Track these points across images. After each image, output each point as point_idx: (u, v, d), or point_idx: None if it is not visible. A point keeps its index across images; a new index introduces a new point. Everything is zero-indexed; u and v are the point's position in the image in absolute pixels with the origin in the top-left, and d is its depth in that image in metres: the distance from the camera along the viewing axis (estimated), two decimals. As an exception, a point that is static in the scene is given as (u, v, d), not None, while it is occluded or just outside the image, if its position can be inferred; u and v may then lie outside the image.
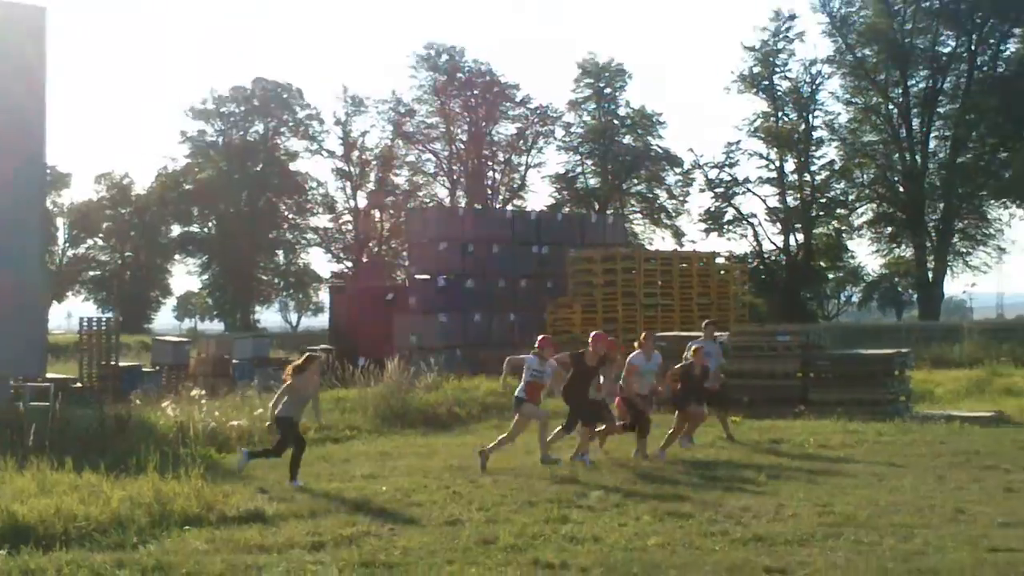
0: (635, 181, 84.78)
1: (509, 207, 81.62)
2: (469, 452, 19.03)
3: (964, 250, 75.74)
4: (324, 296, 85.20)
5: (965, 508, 12.91)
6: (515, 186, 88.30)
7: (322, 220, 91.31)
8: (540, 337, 18.78)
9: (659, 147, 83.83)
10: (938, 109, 72.85)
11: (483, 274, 42.11)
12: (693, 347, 20.66)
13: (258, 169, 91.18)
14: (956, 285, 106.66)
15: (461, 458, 18.52)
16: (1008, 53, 71.50)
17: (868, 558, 10.44)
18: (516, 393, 17.93)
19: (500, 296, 41.92)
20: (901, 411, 25.27)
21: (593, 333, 18.92)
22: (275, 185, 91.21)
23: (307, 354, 17.49)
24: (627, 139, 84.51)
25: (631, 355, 19.21)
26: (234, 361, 38.24)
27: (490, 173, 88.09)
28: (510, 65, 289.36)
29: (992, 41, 72.09)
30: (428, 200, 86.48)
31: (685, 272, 42.13)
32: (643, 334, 19.86)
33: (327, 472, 17.13)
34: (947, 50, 72.94)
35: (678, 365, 20.15)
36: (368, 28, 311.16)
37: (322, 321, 76.73)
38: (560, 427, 18.30)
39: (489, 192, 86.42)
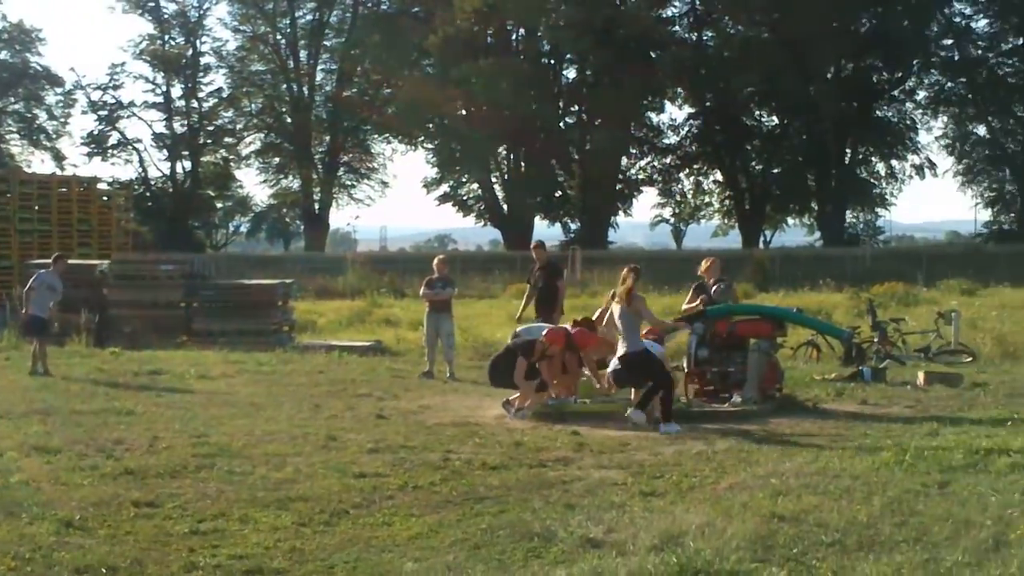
0: (12, 100, 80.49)
1: None
2: None
3: (349, 183, 78.56)
4: None
5: (338, 436, 13.18)
6: None
7: None
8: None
9: (39, 65, 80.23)
10: (325, 42, 74.61)
11: None
12: None
13: None
14: (342, 217, 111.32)
15: None
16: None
17: (239, 487, 10.43)
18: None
19: None
20: (284, 341, 25.71)
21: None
22: None
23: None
24: (3, 55, 79.87)
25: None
26: None
27: None
28: None
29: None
30: None
31: (64, 197, 40.44)
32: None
33: None
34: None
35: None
36: None
37: None
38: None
39: None
